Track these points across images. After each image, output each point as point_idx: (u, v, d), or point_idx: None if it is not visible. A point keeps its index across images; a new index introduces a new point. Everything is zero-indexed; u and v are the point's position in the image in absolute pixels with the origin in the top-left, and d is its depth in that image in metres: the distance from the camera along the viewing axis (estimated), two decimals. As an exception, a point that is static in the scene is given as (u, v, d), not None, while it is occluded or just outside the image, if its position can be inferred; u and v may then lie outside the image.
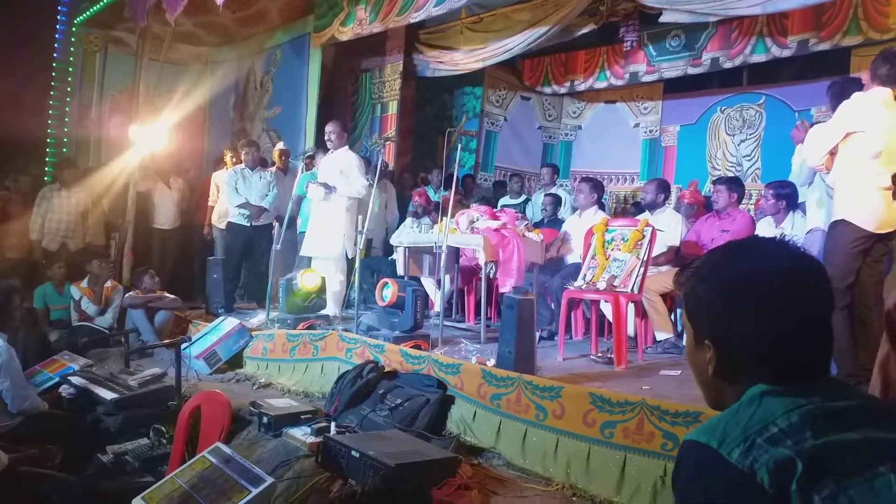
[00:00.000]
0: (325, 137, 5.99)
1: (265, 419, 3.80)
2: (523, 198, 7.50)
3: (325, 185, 5.78)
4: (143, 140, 7.58)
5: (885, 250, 3.48)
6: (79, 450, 4.10)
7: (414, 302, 4.61)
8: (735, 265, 1.11)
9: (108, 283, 6.48)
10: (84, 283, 6.38)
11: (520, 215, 5.84)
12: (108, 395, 4.37)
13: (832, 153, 3.58)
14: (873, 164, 3.40)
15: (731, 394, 1.10)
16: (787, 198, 4.67)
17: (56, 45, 8.62)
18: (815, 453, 0.91)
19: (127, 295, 6.31)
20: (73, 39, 8.69)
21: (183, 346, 4.63)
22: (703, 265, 1.16)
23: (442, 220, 5.18)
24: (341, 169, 5.81)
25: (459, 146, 5.84)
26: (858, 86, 3.71)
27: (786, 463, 0.92)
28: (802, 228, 4.41)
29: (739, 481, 0.93)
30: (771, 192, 4.72)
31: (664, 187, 5.57)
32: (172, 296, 6.40)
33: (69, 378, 4.76)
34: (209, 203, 7.59)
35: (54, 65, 8.59)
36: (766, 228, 4.78)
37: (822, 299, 1.09)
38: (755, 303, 1.06)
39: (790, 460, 0.91)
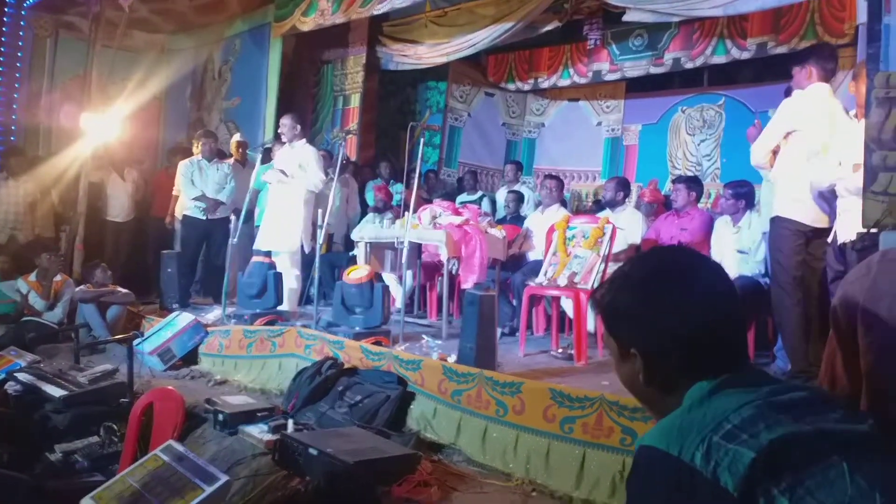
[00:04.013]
0: (280, 130, 5.92)
1: (220, 416, 3.72)
2: (479, 194, 7.51)
3: (282, 172, 5.68)
4: (96, 129, 7.34)
5: (825, 248, 3.54)
6: (26, 448, 3.97)
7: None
8: (642, 269, 1.18)
9: (58, 277, 6.29)
10: (32, 277, 6.17)
11: (482, 212, 5.85)
12: (56, 391, 4.24)
13: (774, 152, 3.68)
14: (813, 161, 3.51)
15: (669, 400, 1.11)
16: (745, 197, 4.75)
17: (4, 30, 8.30)
18: (770, 447, 0.93)
19: (78, 289, 6.13)
20: (22, 24, 8.37)
21: (135, 341, 4.52)
22: (615, 278, 1.20)
23: (404, 215, 5.15)
24: (300, 162, 5.73)
25: (422, 141, 5.79)
26: None
27: (746, 462, 0.93)
28: (759, 227, 4.49)
29: (704, 489, 0.94)
30: (730, 191, 4.80)
31: (624, 185, 5.64)
32: (125, 290, 6.25)
33: (16, 374, 4.60)
34: (173, 193, 7.33)
35: (2, 49, 8.28)
36: (724, 227, 4.85)
37: (733, 292, 1.16)
38: (676, 301, 1.10)
39: (748, 458, 0.93)
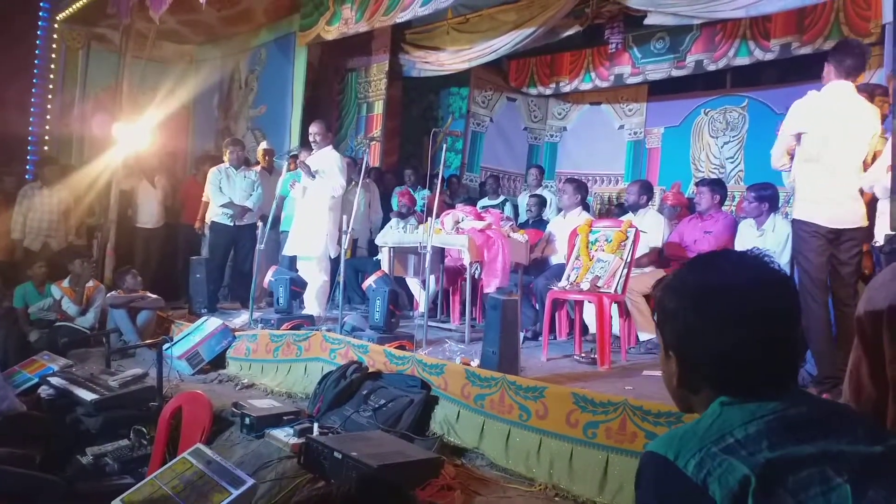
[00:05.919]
0: (311, 138, 5.96)
1: (247, 420, 3.78)
2: (501, 198, 7.53)
3: (307, 168, 5.71)
4: (127, 138, 7.50)
5: (854, 251, 3.50)
6: (58, 451, 4.06)
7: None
8: (701, 278, 1.11)
9: (90, 283, 6.43)
10: (65, 283, 6.32)
11: (504, 216, 5.86)
12: (88, 395, 4.33)
13: (791, 155, 3.64)
14: (823, 161, 3.46)
15: (699, 402, 1.11)
16: (768, 199, 4.71)
17: (38, 42, 8.51)
18: (768, 467, 0.91)
19: (109, 294, 6.26)
20: (55, 36, 8.58)
21: (165, 346, 4.60)
22: (673, 277, 1.16)
23: (427, 220, 5.18)
24: (323, 168, 5.79)
25: (445, 147, 5.83)
26: None
27: (738, 477, 0.91)
28: (784, 230, 4.45)
29: (692, 495, 0.94)
30: (752, 194, 4.76)
31: (647, 189, 5.61)
32: (155, 296, 6.37)
33: (49, 379, 4.72)
34: (203, 199, 7.29)
35: (36, 62, 8.49)
36: (747, 230, 4.81)
37: (788, 315, 1.08)
38: (719, 318, 1.06)
39: (742, 473, 0.91)
